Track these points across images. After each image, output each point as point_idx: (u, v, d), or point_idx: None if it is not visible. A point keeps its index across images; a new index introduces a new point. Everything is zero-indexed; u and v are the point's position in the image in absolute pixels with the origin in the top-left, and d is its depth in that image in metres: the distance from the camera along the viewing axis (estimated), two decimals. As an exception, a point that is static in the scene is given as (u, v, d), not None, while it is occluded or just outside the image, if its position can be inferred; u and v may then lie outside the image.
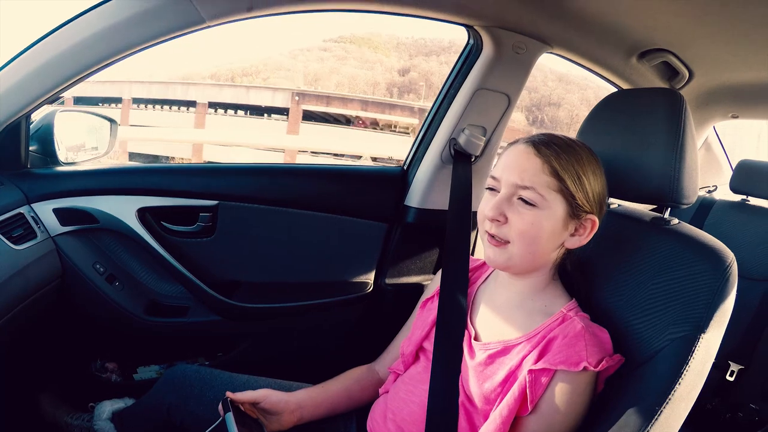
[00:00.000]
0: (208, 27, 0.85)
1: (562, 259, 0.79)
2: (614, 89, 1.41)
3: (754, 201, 1.82)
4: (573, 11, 1.10)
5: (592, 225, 0.75)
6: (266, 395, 0.84)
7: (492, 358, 0.75)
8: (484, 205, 0.76)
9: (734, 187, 1.83)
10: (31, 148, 1.09)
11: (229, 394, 0.79)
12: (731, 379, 1.59)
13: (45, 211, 1.07)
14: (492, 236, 0.75)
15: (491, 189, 0.77)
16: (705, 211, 1.88)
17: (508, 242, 0.73)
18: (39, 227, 1.05)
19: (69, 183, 1.10)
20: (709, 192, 2.04)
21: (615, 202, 0.94)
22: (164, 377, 0.99)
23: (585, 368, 0.67)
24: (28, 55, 0.86)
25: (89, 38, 0.83)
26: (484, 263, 0.92)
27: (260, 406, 0.83)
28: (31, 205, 1.06)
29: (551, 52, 1.23)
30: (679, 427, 0.67)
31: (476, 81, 1.18)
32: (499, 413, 0.70)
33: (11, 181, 1.05)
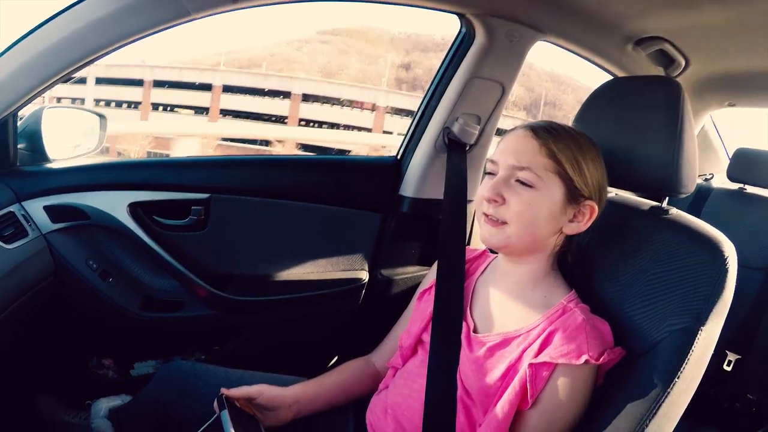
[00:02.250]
0: (193, 19, 0.84)
1: (561, 247, 0.79)
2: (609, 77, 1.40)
3: (751, 189, 1.82)
4: (567, -2, 1.08)
5: (590, 211, 0.74)
6: (261, 391, 0.83)
7: (492, 351, 0.75)
8: (482, 188, 0.76)
9: (731, 176, 1.82)
10: (19, 146, 1.07)
11: (224, 390, 0.78)
12: (728, 368, 1.59)
13: (35, 208, 1.06)
14: (489, 217, 0.74)
15: (489, 173, 0.76)
16: (702, 199, 1.87)
17: (506, 223, 0.73)
18: (30, 225, 1.04)
19: (59, 180, 1.09)
20: (706, 180, 2.04)
21: (611, 191, 0.93)
22: (160, 374, 0.99)
23: (586, 361, 0.67)
24: (12, 53, 0.84)
25: (73, 34, 0.82)
26: (482, 253, 0.91)
27: (256, 402, 0.82)
28: (21, 203, 1.05)
29: (545, 40, 1.21)
30: (678, 418, 0.67)
31: (469, 70, 1.17)
32: (500, 408, 0.69)
33: (0, 179, 1.03)
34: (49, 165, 1.12)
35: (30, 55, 0.83)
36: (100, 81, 28.74)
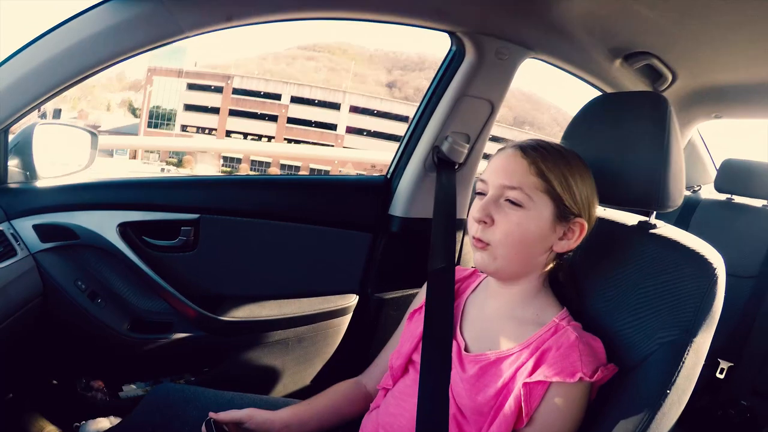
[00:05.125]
0: (187, 37, 0.85)
1: (552, 265, 0.78)
2: (598, 93, 1.41)
3: (738, 199, 1.85)
4: (555, 16, 1.10)
5: (580, 229, 0.74)
6: (251, 415, 0.81)
7: (484, 370, 0.74)
8: (473, 209, 0.76)
9: (719, 187, 1.85)
10: (9, 163, 1.06)
11: (212, 414, 0.77)
12: (721, 376, 1.60)
13: (25, 227, 1.05)
14: (478, 239, 0.74)
15: (480, 193, 0.76)
16: (690, 210, 1.90)
17: (493, 244, 0.73)
18: (19, 244, 1.03)
19: (49, 198, 1.08)
20: (694, 192, 2.06)
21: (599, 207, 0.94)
22: (148, 397, 0.97)
23: (581, 379, 0.66)
24: (3, 69, 0.84)
25: (65, 51, 0.82)
26: (472, 273, 0.91)
27: (245, 426, 0.81)
28: (11, 221, 1.04)
29: (534, 57, 1.23)
30: (669, 428, 0.67)
31: (459, 88, 1.18)
32: (496, 428, 0.69)
33: None
34: (38, 183, 1.11)
35: (23, 71, 0.83)
36: (353, 109, 32.18)
